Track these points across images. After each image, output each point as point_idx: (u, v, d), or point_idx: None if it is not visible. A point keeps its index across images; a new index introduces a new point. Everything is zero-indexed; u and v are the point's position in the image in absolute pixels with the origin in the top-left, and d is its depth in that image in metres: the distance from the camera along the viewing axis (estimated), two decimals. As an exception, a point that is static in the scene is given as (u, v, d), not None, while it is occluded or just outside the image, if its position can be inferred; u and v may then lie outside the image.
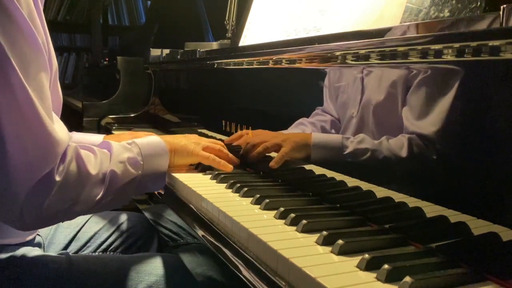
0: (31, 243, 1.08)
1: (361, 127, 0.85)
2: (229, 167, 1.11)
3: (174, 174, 1.08)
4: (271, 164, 1.04)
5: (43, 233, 1.20)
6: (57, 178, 0.82)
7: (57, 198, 0.82)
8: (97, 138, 1.39)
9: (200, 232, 0.84)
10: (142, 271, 1.02)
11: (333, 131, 0.95)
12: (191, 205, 0.94)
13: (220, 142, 1.18)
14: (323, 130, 0.98)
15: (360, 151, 0.83)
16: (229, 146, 1.24)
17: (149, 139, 1.05)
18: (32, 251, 1.02)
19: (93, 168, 0.89)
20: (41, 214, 0.82)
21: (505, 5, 0.56)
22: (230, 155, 1.16)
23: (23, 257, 0.98)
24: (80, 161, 0.87)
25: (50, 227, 1.24)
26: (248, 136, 1.26)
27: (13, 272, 0.95)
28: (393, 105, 0.76)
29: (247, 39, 1.46)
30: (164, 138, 1.08)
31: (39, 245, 1.14)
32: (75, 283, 0.96)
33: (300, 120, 1.04)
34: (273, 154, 1.09)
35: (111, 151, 0.96)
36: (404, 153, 0.73)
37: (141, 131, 1.50)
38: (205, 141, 1.15)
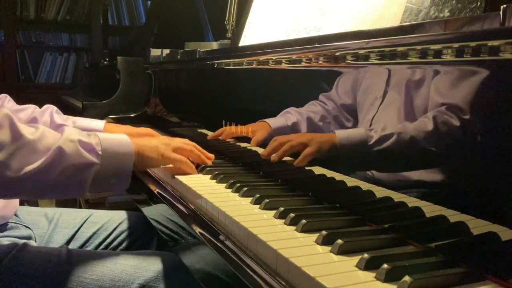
0: (17, 233, 1.09)
1: (386, 108, 0.82)
2: (195, 172, 1.09)
3: (173, 174, 1.08)
4: (296, 163, 1.01)
5: (38, 231, 1.21)
6: None
7: None
8: (99, 123, 1.41)
9: (200, 232, 0.84)
10: (140, 267, 1.02)
11: (320, 123, 0.95)
12: (191, 205, 0.94)
13: (192, 142, 1.17)
14: (309, 121, 0.98)
15: (386, 137, 0.80)
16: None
17: (114, 135, 1.02)
18: (28, 244, 1.02)
19: (29, 133, 0.86)
20: None
21: (505, 5, 0.56)
22: (204, 154, 1.15)
23: (21, 249, 0.98)
24: (13, 125, 0.84)
25: (48, 225, 1.24)
26: (230, 130, 1.27)
27: (11, 264, 0.95)
28: (426, 86, 0.73)
29: (247, 39, 1.46)
30: (133, 139, 1.05)
31: (29, 238, 1.14)
32: (74, 276, 0.97)
33: (287, 109, 1.05)
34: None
35: (62, 132, 0.93)
36: (430, 128, 0.71)
37: (141, 127, 1.50)
38: (176, 142, 1.12)
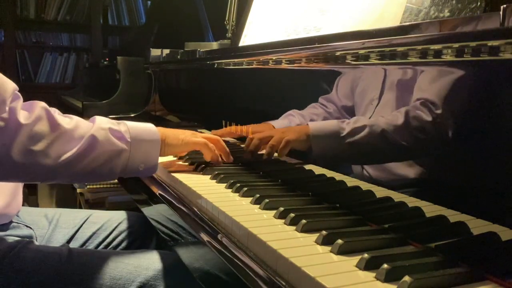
0: (18, 232, 1.09)
1: (382, 109, 0.83)
2: (216, 157, 1.10)
3: (174, 174, 1.08)
4: (279, 155, 1.02)
5: (39, 231, 1.21)
6: (22, 121, 0.85)
7: (25, 144, 0.86)
8: None
9: (200, 232, 0.84)
10: (140, 265, 1.02)
11: None
12: (191, 205, 0.94)
13: (217, 137, 1.17)
14: None
15: (358, 129, 0.82)
16: (230, 144, 1.24)
17: (141, 124, 1.06)
18: (30, 243, 1.03)
19: (66, 123, 0.92)
20: (9, 159, 0.85)
21: (505, 5, 0.56)
22: (226, 151, 1.15)
23: (23, 247, 0.99)
24: (50, 115, 0.90)
25: (48, 226, 1.24)
26: (234, 130, 1.27)
27: (13, 262, 0.96)
28: (414, 81, 0.75)
29: (247, 39, 1.46)
30: (157, 127, 1.08)
31: (31, 237, 1.15)
32: (74, 275, 0.97)
33: (290, 111, 1.05)
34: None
35: (94, 121, 0.99)
36: (400, 121, 0.73)
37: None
38: (200, 134, 1.15)
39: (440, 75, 0.68)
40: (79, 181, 1.01)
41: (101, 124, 0.98)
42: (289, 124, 1.08)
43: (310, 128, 0.94)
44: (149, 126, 1.06)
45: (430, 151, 0.71)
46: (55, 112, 0.93)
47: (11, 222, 1.12)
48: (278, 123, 1.11)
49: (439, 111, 0.67)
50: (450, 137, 0.68)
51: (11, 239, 1.04)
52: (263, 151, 1.11)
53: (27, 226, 1.17)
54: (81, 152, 0.92)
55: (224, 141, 1.37)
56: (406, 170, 0.77)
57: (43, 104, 0.91)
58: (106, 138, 0.96)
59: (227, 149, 1.16)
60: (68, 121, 0.94)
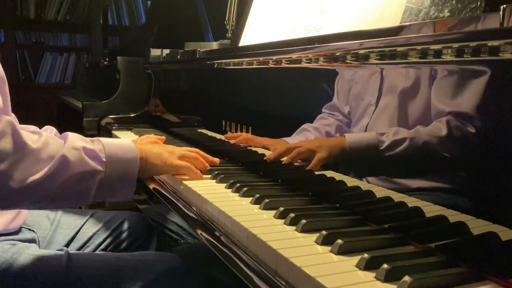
0: (21, 236, 1.09)
1: (381, 114, 0.82)
2: (201, 177, 1.06)
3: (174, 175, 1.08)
4: (309, 167, 0.99)
5: (40, 232, 1.21)
6: None
7: None
8: None
9: (200, 232, 0.84)
10: (141, 269, 1.02)
11: (337, 135, 0.93)
12: (191, 205, 0.94)
13: (196, 149, 1.15)
14: (328, 135, 0.96)
15: (398, 142, 0.78)
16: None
17: (117, 140, 1.00)
18: (29, 247, 1.02)
19: (32, 142, 0.83)
20: None
21: (505, 5, 0.56)
22: (208, 160, 1.14)
23: (22, 252, 0.99)
24: (16, 133, 0.81)
25: (49, 227, 1.24)
26: (247, 136, 1.25)
27: (12, 268, 0.95)
28: (420, 90, 0.73)
29: (247, 39, 1.46)
30: (137, 144, 1.03)
31: (33, 241, 1.14)
32: (74, 279, 0.97)
33: (303, 126, 1.02)
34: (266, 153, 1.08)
35: (66, 139, 0.90)
36: (444, 133, 0.70)
37: (152, 135, 1.47)
38: (180, 150, 1.11)
39: (459, 81, 0.66)
40: (48, 207, 0.89)
41: (74, 143, 0.89)
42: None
43: (347, 141, 0.90)
44: (126, 143, 0.99)
45: (454, 158, 0.69)
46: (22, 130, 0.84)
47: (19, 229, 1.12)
48: (293, 140, 1.07)
49: (468, 120, 0.66)
50: (462, 142, 0.68)
51: (10, 244, 1.03)
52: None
53: (30, 230, 1.17)
54: (51, 174, 0.83)
55: (224, 141, 1.37)
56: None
57: (8, 118, 0.81)
58: (78, 158, 0.87)
59: (209, 156, 1.14)
60: (35, 139, 0.85)
